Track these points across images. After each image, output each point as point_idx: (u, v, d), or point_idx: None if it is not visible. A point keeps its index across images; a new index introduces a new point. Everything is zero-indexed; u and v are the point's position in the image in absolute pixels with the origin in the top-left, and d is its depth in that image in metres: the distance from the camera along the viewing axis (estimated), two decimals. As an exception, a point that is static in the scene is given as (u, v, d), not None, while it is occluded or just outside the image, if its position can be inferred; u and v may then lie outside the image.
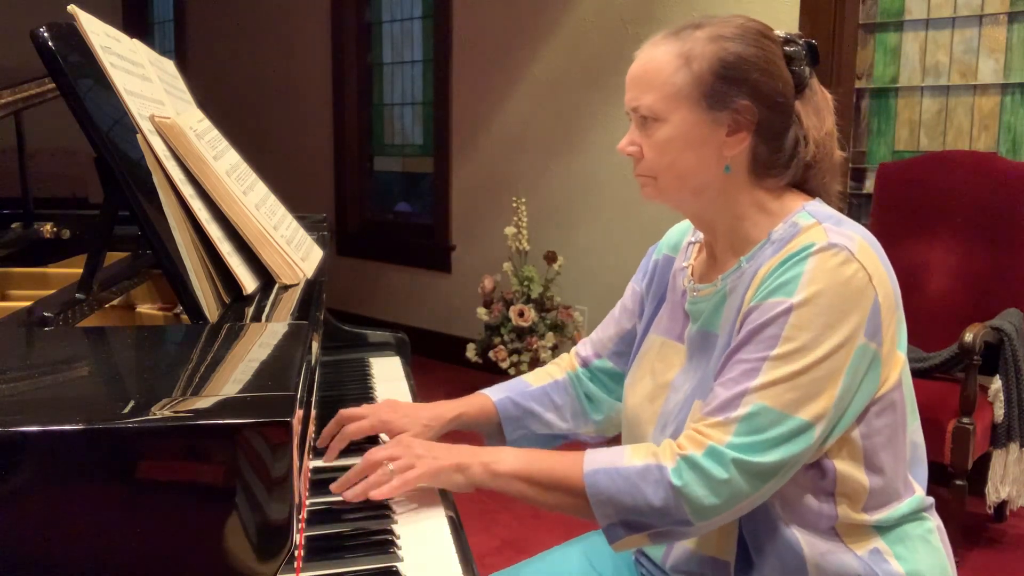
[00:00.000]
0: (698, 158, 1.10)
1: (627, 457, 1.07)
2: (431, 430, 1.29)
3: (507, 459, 1.11)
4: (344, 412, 1.28)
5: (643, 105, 1.10)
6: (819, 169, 1.15)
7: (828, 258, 1.03)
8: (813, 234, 1.07)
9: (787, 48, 1.12)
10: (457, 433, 1.33)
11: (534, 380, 1.39)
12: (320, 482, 1.17)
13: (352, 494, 1.08)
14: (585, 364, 1.40)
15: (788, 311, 1.02)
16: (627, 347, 1.36)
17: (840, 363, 1.02)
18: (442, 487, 1.12)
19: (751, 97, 1.08)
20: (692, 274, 1.23)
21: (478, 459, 1.11)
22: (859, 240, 1.06)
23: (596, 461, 1.07)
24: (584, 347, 1.42)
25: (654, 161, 1.12)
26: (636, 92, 1.12)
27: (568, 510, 1.11)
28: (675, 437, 1.13)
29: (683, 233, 1.32)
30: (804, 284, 1.03)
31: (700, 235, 1.25)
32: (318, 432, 1.29)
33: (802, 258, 1.04)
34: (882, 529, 1.11)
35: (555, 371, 1.41)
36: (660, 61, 1.10)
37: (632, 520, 1.05)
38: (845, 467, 1.08)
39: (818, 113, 1.14)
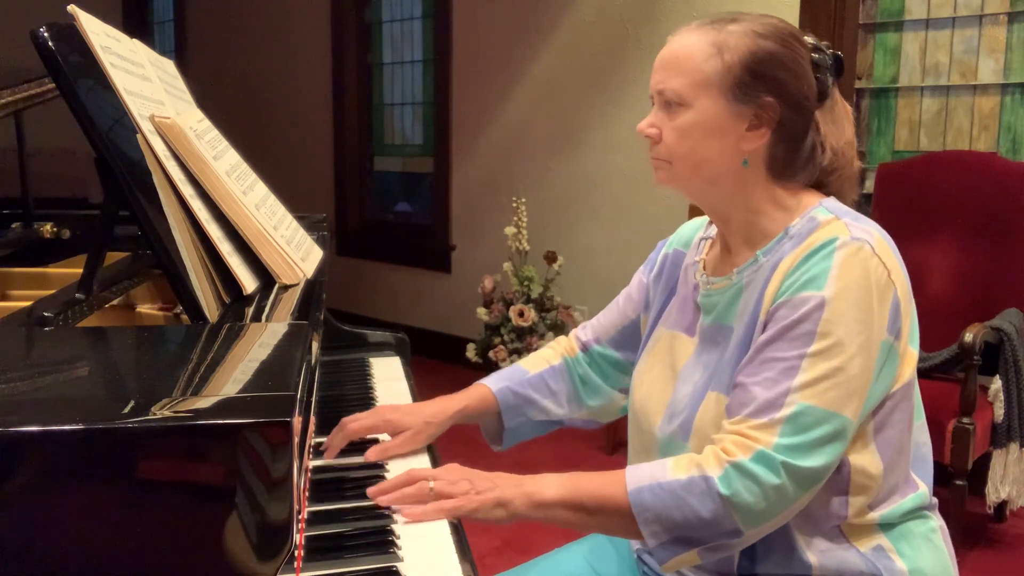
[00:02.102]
0: (716, 148, 1.11)
1: (670, 471, 1.05)
2: (435, 426, 1.29)
3: (549, 488, 1.09)
4: (346, 418, 1.29)
5: (670, 88, 1.11)
6: (838, 176, 1.17)
7: (854, 252, 1.04)
8: (834, 228, 1.07)
9: (814, 55, 1.13)
10: (456, 428, 1.33)
11: (531, 367, 1.39)
12: (320, 482, 1.17)
13: (386, 500, 1.08)
14: (585, 349, 1.40)
15: (821, 306, 1.02)
16: (629, 336, 1.36)
17: (871, 358, 1.03)
18: (479, 520, 1.08)
19: (776, 95, 1.10)
20: (704, 268, 1.23)
21: (521, 491, 1.08)
22: (877, 236, 1.08)
23: (638, 478, 1.06)
24: (584, 331, 1.41)
25: (673, 145, 1.12)
26: (664, 75, 1.12)
27: (614, 531, 1.10)
28: (684, 427, 1.13)
29: (695, 229, 1.32)
30: (834, 278, 1.03)
31: (713, 231, 1.26)
32: (317, 431, 1.29)
33: (829, 252, 1.04)
34: (885, 526, 1.12)
35: (551, 356, 1.41)
36: (693, 48, 1.11)
37: (682, 536, 1.03)
38: (859, 460, 1.08)
39: (837, 123, 1.15)
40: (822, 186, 1.17)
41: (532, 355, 1.43)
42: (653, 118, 1.14)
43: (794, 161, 1.13)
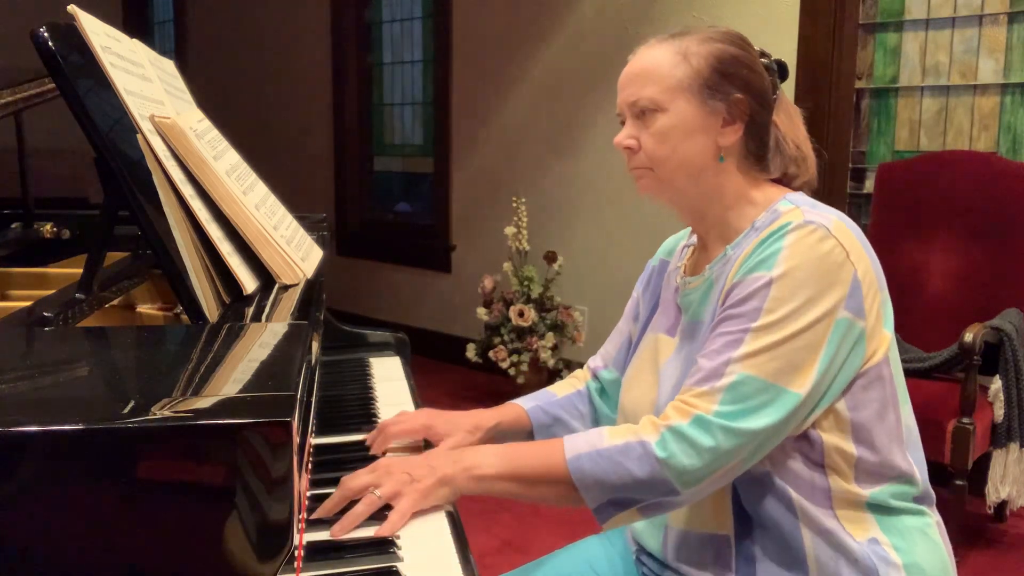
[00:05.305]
0: (696, 146, 1.15)
1: (607, 438, 1.09)
2: (472, 437, 1.29)
3: (489, 461, 1.10)
4: (386, 420, 1.28)
5: (644, 97, 1.15)
6: (802, 168, 1.21)
7: (806, 234, 1.07)
8: (791, 215, 1.12)
9: (762, 59, 1.20)
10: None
11: (559, 390, 1.43)
12: (321, 482, 1.17)
13: (340, 528, 1.00)
14: (595, 375, 1.44)
15: (768, 284, 1.06)
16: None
17: (820, 335, 1.05)
18: (431, 505, 1.06)
19: (744, 91, 1.16)
20: (685, 272, 1.27)
21: (459, 466, 1.09)
22: (835, 219, 1.11)
23: (577, 447, 1.10)
24: (595, 359, 1.46)
25: (653, 151, 1.16)
26: (635, 88, 1.17)
27: (554, 500, 1.13)
28: None
29: (678, 239, 1.37)
30: (783, 259, 1.07)
31: (695, 239, 1.29)
32: (317, 431, 1.29)
33: (780, 235, 1.08)
34: (878, 511, 1.12)
35: (575, 382, 1.45)
36: (659, 58, 1.17)
37: (620, 497, 1.08)
38: (832, 439, 1.10)
39: (791, 119, 1.22)
40: (790, 180, 1.21)
41: (559, 382, 1.46)
42: (629, 130, 1.18)
43: (766, 153, 1.19)
